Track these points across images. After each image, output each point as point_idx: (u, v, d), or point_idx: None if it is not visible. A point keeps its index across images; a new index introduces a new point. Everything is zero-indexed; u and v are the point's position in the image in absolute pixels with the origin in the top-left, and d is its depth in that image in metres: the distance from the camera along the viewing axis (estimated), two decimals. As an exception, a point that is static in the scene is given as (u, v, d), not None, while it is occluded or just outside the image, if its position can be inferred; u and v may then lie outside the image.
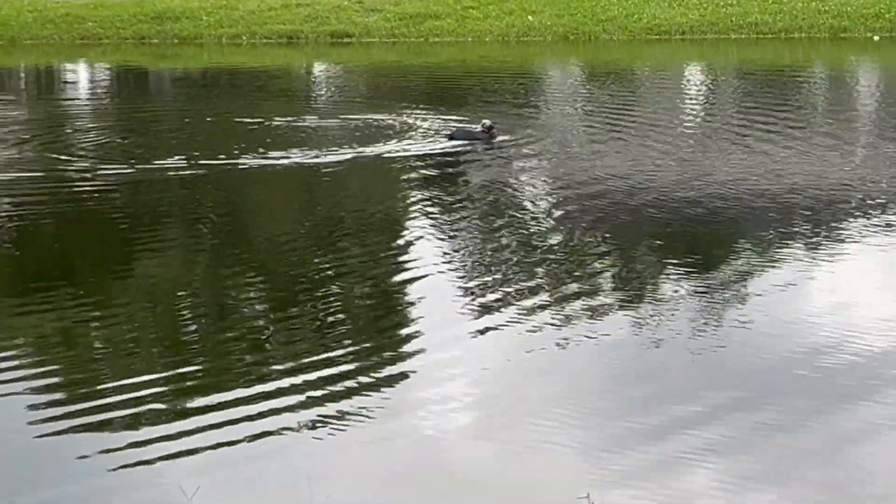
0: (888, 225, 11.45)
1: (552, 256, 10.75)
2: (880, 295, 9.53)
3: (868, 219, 11.73)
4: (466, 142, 16.28)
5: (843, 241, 11.01)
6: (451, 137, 16.54)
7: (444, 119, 18.60)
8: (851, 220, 11.75)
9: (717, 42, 29.25)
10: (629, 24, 30.32)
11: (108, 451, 6.81)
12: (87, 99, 25.11)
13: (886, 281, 9.99)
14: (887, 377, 7.72)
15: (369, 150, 15.85)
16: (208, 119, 20.24)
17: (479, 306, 9.22)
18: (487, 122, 16.60)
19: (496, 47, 30.11)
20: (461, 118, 18.51)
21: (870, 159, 14.96)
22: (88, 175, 14.60)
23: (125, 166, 15.05)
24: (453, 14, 31.78)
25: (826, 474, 6.50)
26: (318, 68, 29.87)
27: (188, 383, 7.85)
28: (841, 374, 7.77)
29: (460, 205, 12.83)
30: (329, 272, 10.40)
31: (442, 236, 11.44)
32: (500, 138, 16.32)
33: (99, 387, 7.78)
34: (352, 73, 28.42)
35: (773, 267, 10.23)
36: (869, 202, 12.43)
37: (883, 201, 12.41)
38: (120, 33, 33.59)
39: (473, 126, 16.82)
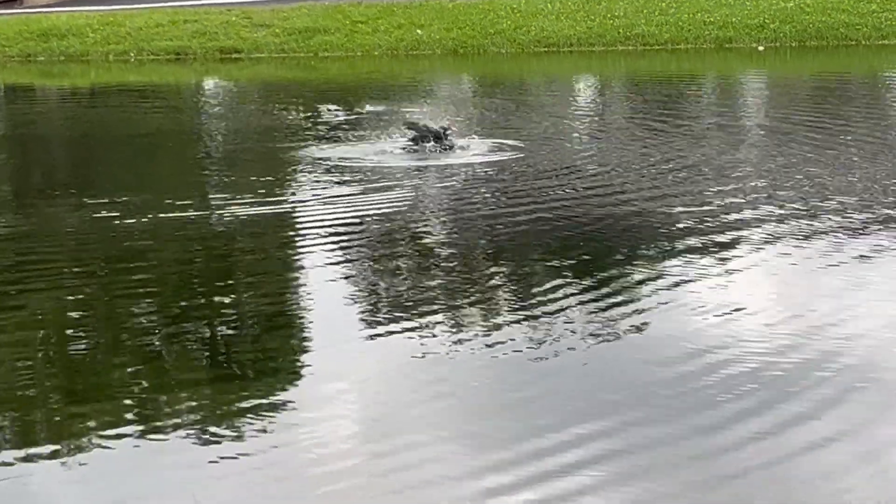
0: (778, 235, 11.57)
1: (443, 276, 10.72)
2: (770, 304, 9.62)
3: (760, 228, 11.84)
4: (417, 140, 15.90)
5: (734, 250, 11.09)
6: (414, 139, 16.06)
7: (343, 131, 18.53)
8: (743, 229, 11.84)
9: (604, 54, 29.49)
10: (517, 36, 30.46)
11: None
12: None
13: (775, 291, 10.09)
14: (779, 387, 7.79)
15: (266, 181, 15.55)
16: (91, 142, 19.96)
17: (369, 327, 9.26)
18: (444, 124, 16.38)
19: (385, 61, 30.10)
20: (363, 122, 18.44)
21: (762, 168, 15.11)
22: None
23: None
24: (342, 29, 31.72)
25: (713, 486, 6.53)
26: (208, 84, 29.64)
27: (73, 412, 7.80)
28: (734, 385, 7.83)
29: (352, 226, 12.70)
30: (221, 303, 10.27)
31: (334, 261, 11.31)
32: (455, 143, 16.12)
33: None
34: (243, 88, 28.24)
35: (666, 278, 10.29)
36: (761, 212, 12.54)
37: (775, 211, 12.52)
38: (5, 51, 33.12)
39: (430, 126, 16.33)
